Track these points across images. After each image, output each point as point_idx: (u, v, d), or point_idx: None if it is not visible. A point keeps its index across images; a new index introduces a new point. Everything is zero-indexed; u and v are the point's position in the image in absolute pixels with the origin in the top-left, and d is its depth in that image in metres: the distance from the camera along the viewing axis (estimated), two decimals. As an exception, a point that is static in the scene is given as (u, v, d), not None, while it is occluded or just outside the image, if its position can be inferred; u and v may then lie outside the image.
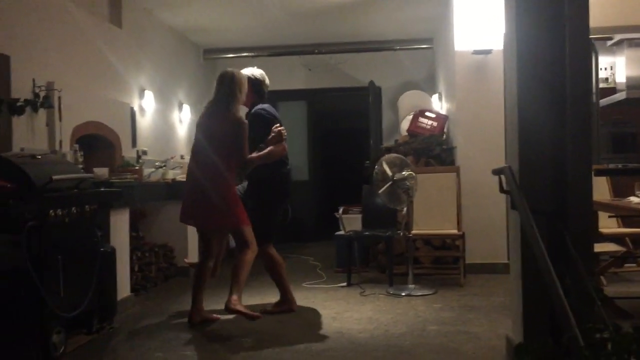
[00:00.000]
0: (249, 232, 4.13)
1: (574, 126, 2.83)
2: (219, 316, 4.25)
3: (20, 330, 3.20)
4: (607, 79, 6.57)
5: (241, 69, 4.41)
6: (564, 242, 2.72)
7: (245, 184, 4.49)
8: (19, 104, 3.37)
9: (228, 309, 3.92)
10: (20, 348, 3.22)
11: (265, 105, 4.47)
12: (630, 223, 4.82)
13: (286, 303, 4.48)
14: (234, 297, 3.94)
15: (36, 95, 4.32)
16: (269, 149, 4.23)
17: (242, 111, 4.31)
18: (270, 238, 4.40)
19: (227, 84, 4.18)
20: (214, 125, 4.16)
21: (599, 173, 4.31)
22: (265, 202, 4.37)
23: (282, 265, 4.46)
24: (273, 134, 4.27)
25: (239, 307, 3.92)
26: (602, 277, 4.67)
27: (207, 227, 4.29)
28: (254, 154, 4.18)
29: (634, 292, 4.63)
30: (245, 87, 4.25)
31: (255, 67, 4.58)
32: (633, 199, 3.85)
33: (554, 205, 2.85)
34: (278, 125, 4.34)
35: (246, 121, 4.18)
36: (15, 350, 3.22)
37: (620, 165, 4.56)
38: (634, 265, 5.08)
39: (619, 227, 4.90)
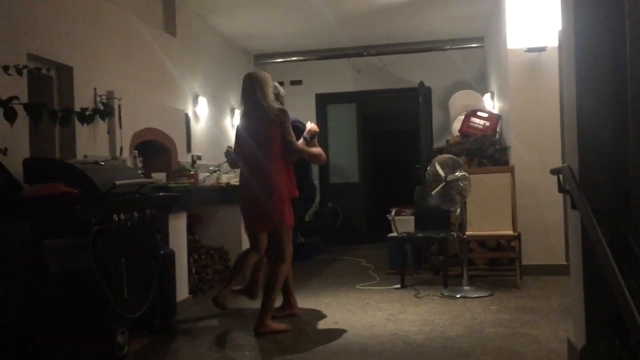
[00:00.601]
0: (288, 237, 4.09)
1: (636, 123, 2.76)
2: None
3: (87, 330, 3.34)
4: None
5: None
6: (627, 242, 2.65)
7: None
8: (87, 113, 3.52)
9: (260, 334, 3.91)
10: (87, 348, 3.37)
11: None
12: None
13: (288, 307, 4.49)
14: (267, 321, 3.96)
15: (103, 104, 4.48)
16: (316, 149, 4.26)
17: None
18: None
19: (257, 85, 4.11)
20: (258, 130, 4.08)
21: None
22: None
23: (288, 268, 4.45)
24: (311, 130, 4.28)
25: (272, 327, 3.96)
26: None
27: (253, 230, 4.28)
28: (304, 147, 4.18)
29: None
30: (269, 84, 4.19)
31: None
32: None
33: (615, 205, 2.77)
34: (312, 123, 4.40)
35: (285, 109, 4.15)
36: (83, 350, 3.37)
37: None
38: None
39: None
